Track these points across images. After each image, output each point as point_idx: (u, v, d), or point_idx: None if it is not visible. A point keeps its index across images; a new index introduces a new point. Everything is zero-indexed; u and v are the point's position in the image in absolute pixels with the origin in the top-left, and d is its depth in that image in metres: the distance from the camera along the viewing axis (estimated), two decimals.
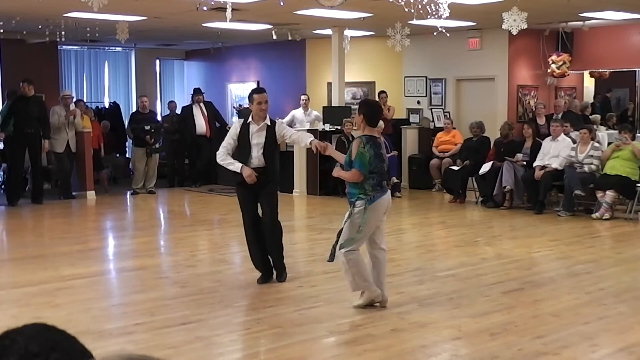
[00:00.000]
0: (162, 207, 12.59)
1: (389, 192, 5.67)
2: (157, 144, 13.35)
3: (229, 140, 6.42)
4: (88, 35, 12.52)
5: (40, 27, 11.90)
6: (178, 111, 14.45)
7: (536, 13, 9.86)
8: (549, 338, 4.82)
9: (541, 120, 12.46)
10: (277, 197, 6.55)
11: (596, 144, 10.45)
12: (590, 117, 13.17)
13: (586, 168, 10.25)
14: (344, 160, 5.68)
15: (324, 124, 13.03)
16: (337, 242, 5.53)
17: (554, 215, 10.30)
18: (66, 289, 6.30)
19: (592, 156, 10.29)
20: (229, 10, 8.41)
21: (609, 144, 10.86)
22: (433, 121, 13.92)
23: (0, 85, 14.52)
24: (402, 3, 7.80)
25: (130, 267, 7.37)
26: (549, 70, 13.30)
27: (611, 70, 13.73)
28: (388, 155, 12.32)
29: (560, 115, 12.28)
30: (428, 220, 10.70)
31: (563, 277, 6.88)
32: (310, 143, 6.21)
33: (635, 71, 13.63)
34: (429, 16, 8.42)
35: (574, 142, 10.66)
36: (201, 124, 13.88)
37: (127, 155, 15.81)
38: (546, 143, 10.88)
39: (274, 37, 13.17)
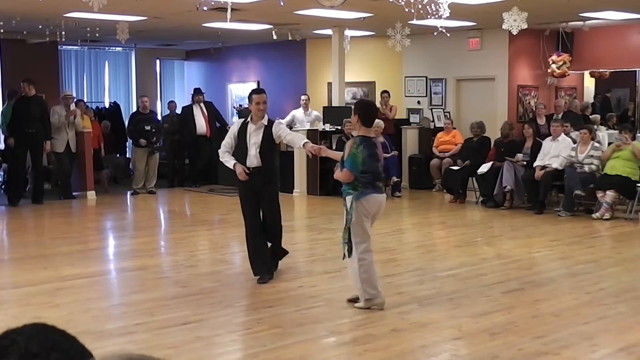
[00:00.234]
0: (162, 207, 12.59)
1: (384, 194, 5.69)
2: (157, 144, 13.36)
3: (228, 139, 6.54)
4: (88, 35, 12.52)
5: (40, 27, 11.90)
6: (178, 111, 14.44)
7: (536, 13, 9.85)
8: (549, 338, 4.82)
9: (541, 120, 12.46)
10: (278, 202, 6.66)
11: (596, 144, 10.45)
12: (590, 117, 13.17)
13: (586, 168, 10.25)
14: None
15: (324, 124, 13.03)
16: (349, 239, 5.53)
17: (554, 215, 10.30)
18: (66, 289, 6.30)
19: (592, 156, 10.29)
20: (229, 11, 8.42)
21: (609, 144, 10.86)
22: (433, 121, 13.92)
23: (1, 85, 14.52)
24: (402, 3, 7.80)
25: (130, 267, 7.37)
26: (549, 70, 13.30)
27: (611, 70, 13.72)
28: (388, 155, 12.54)
29: (560, 115, 12.28)
30: (428, 220, 10.70)
31: (563, 277, 6.88)
32: (304, 146, 6.28)
33: (635, 71, 13.63)
34: (429, 16, 8.41)
35: (574, 142, 10.66)
36: (201, 124, 13.88)
37: (127, 155, 15.82)
38: (546, 143, 10.88)
39: (274, 37, 13.16)
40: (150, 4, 9.96)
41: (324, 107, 13.74)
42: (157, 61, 18.33)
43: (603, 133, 11.74)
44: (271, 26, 12.56)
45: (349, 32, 13.07)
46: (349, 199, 5.49)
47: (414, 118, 14.38)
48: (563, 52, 13.20)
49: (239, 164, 6.39)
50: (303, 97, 13.73)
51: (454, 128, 13.14)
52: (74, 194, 12.16)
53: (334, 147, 12.49)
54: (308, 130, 12.85)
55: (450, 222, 10.26)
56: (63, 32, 11.83)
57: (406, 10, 8.02)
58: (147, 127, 12.96)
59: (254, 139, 6.44)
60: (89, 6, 7.77)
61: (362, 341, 4.85)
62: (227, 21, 8.79)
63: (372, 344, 4.76)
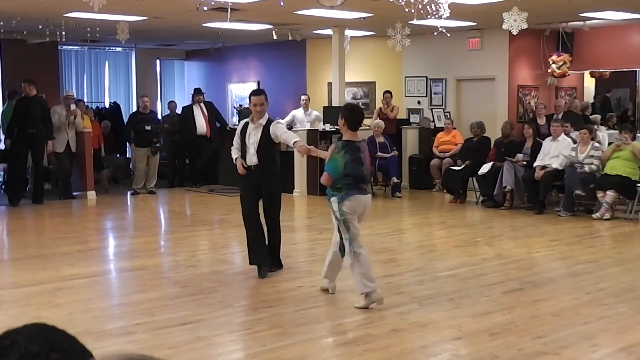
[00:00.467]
0: (162, 207, 12.59)
1: (368, 195, 5.80)
2: (158, 144, 13.35)
3: (235, 138, 6.89)
4: (88, 35, 12.52)
5: (40, 27, 11.90)
6: (178, 111, 14.44)
7: (536, 13, 9.85)
8: (549, 338, 4.82)
9: (541, 121, 12.46)
10: (279, 200, 6.84)
11: (596, 144, 10.45)
12: (590, 117, 13.17)
13: (586, 168, 10.25)
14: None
15: (324, 124, 13.03)
16: (341, 237, 5.67)
17: (554, 215, 10.30)
18: (66, 289, 6.30)
19: (592, 156, 10.29)
20: (229, 11, 8.42)
21: (609, 144, 10.86)
22: (433, 121, 13.92)
23: (1, 85, 14.52)
24: (403, 3, 7.80)
25: (130, 267, 7.37)
26: (549, 70, 13.30)
27: (611, 70, 13.72)
28: (388, 155, 12.52)
29: (560, 116, 12.29)
30: (428, 220, 10.70)
31: (563, 277, 6.88)
32: (294, 145, 6.45)
33: (636, 71, 13.62)
34: (429, 16, 8.42)
35: (574, 142, 10.66)
36: (201, 124, 13.87)
37: (127, 155, 15.82)
38: (546, 143, 10.88)
39: (274, 37, 13.17)
40: (150, 4, 9.96)
41: (324, 107, 13.74)
42: (157, 61, 18.33)
43: (603, 133, 11.74)
44: (271, 26, 12.56)
45: (349, 32, 13.07)
46: (333, 200, 5.64)
47: (414, 118, 14.38)
48: (563, 52, 13.20)
49: (240, 158, 6.73)
50: (303, 97, 13.73)
51: (454, 128, 13.14)
52: (74, 194, 12.16)
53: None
54: (308, 130, 12.85)
55: (450, 222, 10.26)
56: (63, 32, 11.83)
57: (406, 10, 8.03)
58: (147, 127, 12.96)
59: (253, 138, 6.68)
60: (89, 6, 7.78)
61: (362, 341, 4.85)
62: (227, 21, 8.79)
63: (372, 344, 4.76)
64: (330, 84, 14.21)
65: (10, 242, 9.20)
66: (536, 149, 10.94)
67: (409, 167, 13.48)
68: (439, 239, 9.26)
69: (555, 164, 10.51)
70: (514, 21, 8.85)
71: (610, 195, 9.88)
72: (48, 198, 11.85)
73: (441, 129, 13.29)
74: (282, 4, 8.79)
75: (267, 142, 6.67)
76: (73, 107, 12.24)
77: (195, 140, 13.92)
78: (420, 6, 7.98)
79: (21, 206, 11.38)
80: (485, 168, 11.19)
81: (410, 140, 13.69)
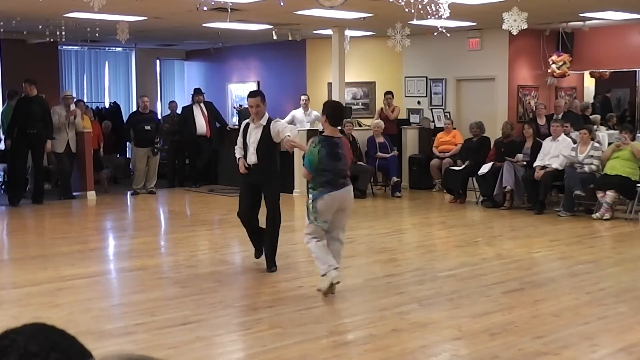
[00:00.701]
0: (162, 207, 12.59)
1: (343, 189, 5.94)
2: (158, 144, 13.35)
3: (238, 137, 7.07)
4: (88, 35, 12.52)
5: (40, 27, 11.90)
6: (179, 111, 14.44)
7: (536, 13, 9.85)
8: (549, 338, 4.82)
9: (541, 121, 12.46)
10: (277, 197, 6.98)
11: (596, 144, 10.45)
12: (590, 117, 13.17)
13: (586, 168, 10.25)
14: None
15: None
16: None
17: (554, 216, 10.30)
18: (66, 289, 6.30)
19: (592, 156, 10.29)
20: (229, 12, 8.42)
21: (609, 144, 10.86)
22: (433, 121, 13.92)
23: (1, 85, 14.52)
24: (402, 3, 7.80)
25: (130, 267, 7.37)
26: (549, 71, 13.30)
27: (611, 71, 13.72)
28: (388, 155, 12.52)
29: (560, 116, 12.28)
30: (428, 220, 10.70)
31: (563, 277, 6.88)
32: (284, 138, 6.66)
33: (635, 71, 13.63)
34: (429, 16, 8.41)
35: (574, 142, 10.66)
36: (201, 124, 13.87)
37: (127, 156, 15.81)
38: (546, 143, 10.88)
39: (274, 37, 13.16)
40: (150, 4, 9.96)
41: None
42: (157, 61, 18.32)
43: (603, 133, 11.73)
44: (271, 26, 12.56)
45: (349, 32, 13.07)
46: (309, 196, 5.93)
47: (414, 118, 14.38)
48: (563, 52, 13.19)
49: (242, 158, 6.93)
50: (303, 97, 13.73)
51: (454, 128, 13.14)
52: (74, 194, 12.16)
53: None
54: (308, 130, 12.85)
55: (450, 222, 10.25)
56: (63, 32, 11.83)
57: (406, 10, 8.03)
58: (147, 127, 12.95)
59: (253, 138, 6.84)
60: (89, 6, 7.78)
61: (362, 341, 4.85)
62: (227, 21, 8.79)
63: (372, 344, 4.76)
64: (330, 84, 14.21)
65: (10, 242, 9.20)
66: (536, 149, 10.94)
67: (409, 167, 13.48)
68: (439, 239, 9.25)
69: (555, 164, 10.50)
70: (514, 21, 8.85)
71: (610, 195, 9.88)
72: (48, 198, 11.85)
73: (441, 129, 13.29)
74: (282, 4, 8.79)
75: (267, 142, 6.80)
76: (73, 107, 12.24)
77: (195, 140, 13.91)
78: (420, 6, 7.98)
79: (21, 206, 11.38)
80: (485, 168, 11.19)
81: (410, 140, 13.69)
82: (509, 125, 11.71)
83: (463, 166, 11.68)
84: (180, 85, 18.59)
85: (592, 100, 14.58)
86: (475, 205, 11.45)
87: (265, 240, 6.99)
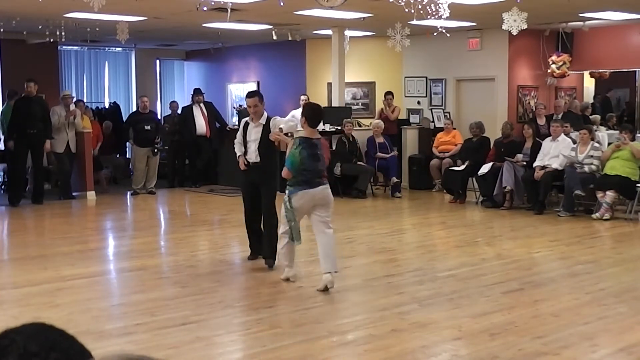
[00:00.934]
0: (162, 207, 12.59)
1: (319, 188, 6.15)
2: (159, 144, 13.34)
3: (238, 133, 7.26)
4: (88, 35, 12.52)
5: (40, 27, 11.90)
6: (179, 111, 14.44)
7: (536, 13, 9.85)
8: (549, 338, 4.82)
9: (541, 121, 12.46)
10: (274, 197, 7.14)
11: (596, 144, 10.45)
12: (590, 117, 13.17)
13: (586, 168, 10.25)
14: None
15: (324, 124, 13.01)
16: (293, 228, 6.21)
17: (554, 216, 10.30)
18: (66, 289, 6.30)
19: (592, 156, 10.29)
20: (229, 12, 8.42)
21: (609, 144, 10.86)
22: (433, 121, 13.92)
23: (0, 85, 14.51)
24: (402, 3, 7.81)
25: (130, 267, 7.37)
26: (549, 71, 13.30)
27: (611, 71, 13.72)
28: (388, 155, 12.52)
29: (560, 116, 12.28)
30: (428, 220, 10.70)
31: (563, 277, 6.88)
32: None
33: (635, 71, 13.63)
34: (429, 16, 8.42)
35: (574, 142, 10.66)
36: (201, 124, 13.86)
37: (127, 156, 15.81)
38: (546, 143, 10.88)
39: (274, 37, 13.16)
40: (150, 4, 9.96)
41: (324, 107, 13.72)
42: (157, 61, 18.32)
43: (603, 133, 11.73)
44: (271, 26, 12.56)
45: (348, 32, 13.07)
46: (286, 192, 6.17)
47: (414, 118, 14.38)
48: (563, 52, 13.19)
49: (242, 156, 7.09)
50: (303, 97, 13.71)
51: (454, 128, 13.14)
52: (73, 194, 12.16)
53: (334, 148, 12.53)
54: None
55: (450, 222, 10.25)
56: (63, 32, 11.83)
57: (406, 10, 8.03)
58: (147, 127, 12.95)
59: (254, 137, 6.99)
60: (89, 6, 7.78)
61: (362, 341, 4.85)
62: (227, 21, 8.80)
63: (372, 344, 4.76)
64: (330, 84, 14.21)
65: (10, 242, 9.20)
66: (536, 149, 10.94)
67: (409, 167, 13.48)
68: (438, 239, 9.25)
69: (555, 164, 10.50)
70: (514, 21, 8.85)
71: (610, 195, 9.88)
72: (48, 198, 11.85)
73: (441, 129, 13.29)
74: (282, 4, 8.79)
75: (267, 141, 6.94)
76: (72, 107, 12.23)
77: (195, 141, 13.91)
78: (420, 6, 7.98)
79: (21, 206, 11.38)
80: (485, 168, 11.19)
81: (410, 140, 13.69)
82: (508, 125, 11.71)
83: (463, 166, 11.68)
84: (180, 85, 18.58)
85: (591, 101, 14.58)
86: (475, 205, 11.45)
87: (264, 238, 7.11)
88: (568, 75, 13.33)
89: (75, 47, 16.46)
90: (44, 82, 13.69)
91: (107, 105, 17.15)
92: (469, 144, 12.04)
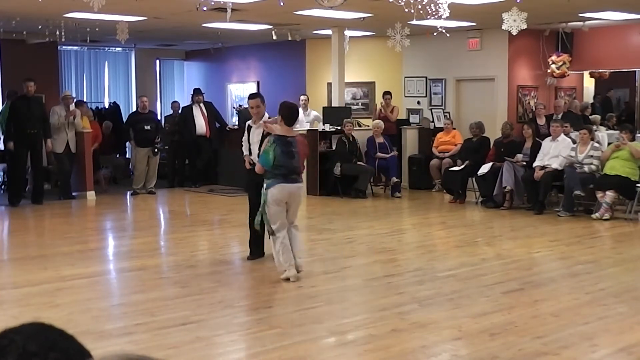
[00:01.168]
0: (162, 207, 12.59)
1: (294, 184, 6.49)
2: (159, 144, 13.33)
3: (243, 136, 7.52)
4: (88, 35, 12.52)
5: (40, 27, 11.90)
6: (180, 111, 14.44)
7: (536, 13, 9.85)
8: (549, 338, 4.82)
9: (541, 121, 12.46)
10: None
11: (596, 144, 10.45)
12: (590, 117, 13.17)
13: (586, 168, 10.24)
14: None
15: (323, 124, 13.03)
16: (266, 222, 6.51)
17: (554, 216, 10.29)
18: (66, 289, 6.30)
19: (592, 156, 10.29)
20: (229, 12, 8.42)
21: (608, 144, 10.86)
22: (433, 121, 13.91)
23: (0, 86, 14.51)
24: (402, 3, 7.81)
25: (130, 267, 7.37)
26: (549, 71, 13.30)
27: (611, 71, 13.72)
28: (388, 155, 12.52)
29: (560, 116, 12.28)
30: (428, 220, 10.70)
31: (563, 277, 6.88)
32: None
33: (635, 71, 13.63)
34: (429, 16, 8.42)
35: (574, 142, 10.66)
36: (201, 124, 13.86)
37: (127, 156, 15.81)
38: (546, 143, 10.88)
39: (274, 37, 13.16)
40: (150, 4, 9.96)
41: (323, 107, 13.74)
42: (157, 61, 18.32)
43: (603, 133, 11.73)
44: (271, 26, 12.56)
45: (348, 32, 13.07)
46: (264, 186, 6.45)
47: (414, 118, 14.38)
48: (563, 52, 13.19)
49: (248, 156, 7.35)
50: (302, 97, 13.72)
51: (454, 128, 13.14)
52: (73, 194, 12.16)
53: (333, 148, 12.54)
54: (308, 130, 12.85)
55: (450, 222, 10.25)
56: (63, 32, 11.83)
57: (406, 10, 8.03)
58: (147, 127, 12.95)
59: (256, 138, 7.15)
60: (89, 6, 7.78)
61: (362, 341, 4.85)
62: (227, 21, 8.80)
63: (372, 344, 4.76)
64: (329, 84, 14.21)
65: (10, 242, 9.20)
66: (536, 149, 10.93)
67: (409, 167, 13.48)
68: (438, 239, 9.25)
69: (555, 164, 10.50)
70: (514, 21, 8.85)
71: (609, 195, 9.88)
72: (48, 198, 11.84)
73: (441, 129, 13.29)
74: (282, 4, 8.79)
75: None
76: (72, 107, 12.23)
77: (195, 141, 13.91)
78: (420, 6, 7.98)
79: (21, 206, 11.38)
80: (484, 168, 11.19)
81: (410, 140, 13.69)
82: (508, 125, 11.71)
83: (463, 166, 11.67)
84: (180, 85, 18.58)
85: (591, 101, 14.59)
86: (475, 205, 11.45)
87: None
88: (568, 75, 13.33)
89: (75, 47, 16.46)
90: (44, 82, 13.70)
91: (107, 105, 17.14)
92: (469, 144, 12.04)
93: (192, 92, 14.48)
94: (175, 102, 15.08)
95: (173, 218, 11.42)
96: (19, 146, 11.47)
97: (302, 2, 9.73)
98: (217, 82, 17.23)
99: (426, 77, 14.40)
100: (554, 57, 13.11)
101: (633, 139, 10.33)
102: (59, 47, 15.35)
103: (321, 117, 13.34)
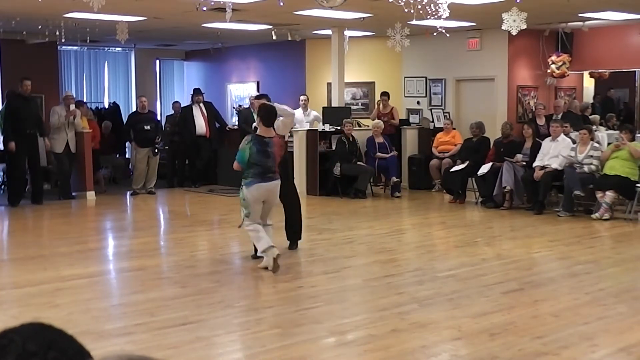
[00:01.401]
0: (161, 207, 12.59)
1: (271, 182, 6.81)
2: (159, 144, 13.33)
3: None
4: (88, 35, 12.52)
5: (40, 27, 11.89)
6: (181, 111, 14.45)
7: (536, 13, 9.85)
8: (549, 338, 4.82)
9: (541, 121, 12.46)
10: (291, 195, 7.86)
11: (596, 144, 10.45)
12: (589, 117, 13.17)
13: (586, 168, 10.24)
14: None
15: (323, 124, 13.03)
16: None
17: (554, 216, 10.29)
18: (66, 289, 6.29)
19: (591, 156, 10.29)
20: (229, 11, 8.42)
21: (608, 144, 10.86)
22: (433, 121, 13.92)
23: (0, 86, 14.51)
24: (402, 3, 7.81)
25: (130, 267, 7.36)
26: (548, 71, 13.30)
27: (611, 71, 13.72)
28: (388, 155, 12.52)
29: (560, 116, 12.28)
30: (428, 220, 10.70)
31: (563, 277, 6.88)
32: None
33: (635, 71, 13.63)
34: (428, 16, 8.42)
35: (574, 142, 10.66)
36: (201, 125, 13.87)
37: (127, 156, 15.81)
38: (546, 143, 10.88)
39: (274, 37, 13.16)
40: (150, 4, 9.96)
41: (323, 107, 13.74)
42: (157, 61, 18.32)
43: (602, 133, 11.73)
44: (271, 26, 12.56)
45: (348, 33, 13.07)
46: (242, 185, 6.79)
47: (414, 118, 14.37)
48: (563, 52, 13.20)
49: None
50: (302, 97, 13.72)
51: (454, 128, 13.14)
52: (73, 194, 12.16)
53: (333, 148, 12.53)
54: (307, 130, 12.86)
55: (450, 222, 10.25)
56: (62, 32, 11.82)
57: (406, 10, 8.03)
58: (147, 127, 12.95)
59: None
60: (88, 6, 7.78)
61: (362, 341, 4.85)
62: (227, 21, 8.79)
63: (372, 344, 4.76)
64: (329, 84, 14.21)
65: (10, 242, 9.20)
66: (535, 149, 10.93)
67: (409, 168, 13.48)
68: (438, 239, 9.25)
69: (555, 164, 10.50)
70: (514, 21, 8.85)
71: (609, 195, 9.88)
72: (47, 198, 11.84)
73: (440, 129, 13.29)
74: (281, 4, 8.79)
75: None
76: (72, 107, 12.23)
77: (194, 141, 13.91)
78: (420, 6, 7.98)
79: (21, 206, 11.38)
80: (484, 168, 11.19)
81: (410, 140, 13.69)
82: (508, 125, 11.71)
83: (463, 166, 11.66)
84: (180, 85, 18.58)
85: (591, 101, 14.59)
86: (474, 205, 11.45)
87: (286, 226, 7.90)
88: (568, 75, 13.33)
89: (75, 47, 16.45)
90: (43, 82, 13.70)
91: (106, 105, 17.14)
92: (469, 144, 12.04)
93: (192, 92, 14.48)
94: (176, 102, 15.08)
95: (173, 218, 11.42)
96: (19, 146, 11.46)
97: (302, 2, 9.73)
98: (217, 82, 17.23)
99: (426, 77, 14.40)
100: (553, 57, 13.11)
101: (633, 139, 10.33)
102: (58, 47, 15.34)
103: (321, 117, 13.34)
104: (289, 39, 13.52)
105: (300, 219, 8.05)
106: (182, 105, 14.62)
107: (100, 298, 6.19)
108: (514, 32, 9.03)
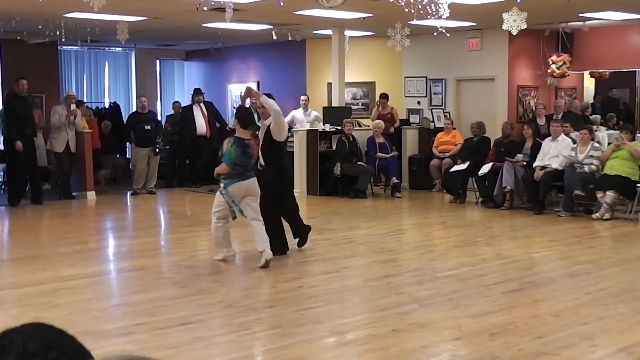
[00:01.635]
0: (162, 207, 12.59)
1: (249, 180, 7.00)
2: (160, 144, 13.33)
3: None
4: (88, 35, 12.51)
5: (40, 27, 11.89)
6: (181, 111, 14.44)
7: (536, 13, 9.85)
8: (549, 338, 4.82)
9: (541, 121, 12.46)
10: (285, 196, 7.80)
11: (596, 144, 10.45)
12: (590, 117, 13.17)
13: (586, 168, 10.24)
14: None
15: (324, 124, 13.03)
16: (231, 208, 7.05)
17: (554, 216, 10.29)
18: (66, 289, 6.29)
19: (592, 156, 10.29)
20: (229, 11, 8.42)
21: (609, 144, 10.86)
22: (433, 121, 13.92)
23: (0, 86, 14.50)
24: (402, 3, 7.80)
25: (130, 267, 7.36)
26: (549, 71, 13.30)
27: (611, 71, 13.72)
28: (388, 155, 12.52)
29: (560, 116, 12.28)
30: (428, 220, 10.70)
31: (563, 277, 6.88)
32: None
33: (635, 71, 13.63)
34: (429, 16, 8.41)
35: (574, 142, 10.66)
36: (201, 124, 13.87)
37: (127, 156, 15.81)
38: (546, 143, 10.88)
39: (274, 37, 13.16)
40: (150, 4, 9.96)
41: (323, 107, 13.74)
42: (157, 61, 18.32)
43: (603, 133, 11.73)
44: (271, 26, 12.56)
45: (348, 33, 13.07)
46: (222, 185, 7.01)
47: (414, 118, 14.38)
48: (563, 52, 13.20)
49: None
50: (302, 97, 13.73)
51: (454, 128, 13.14)
52: (73, 194, 12.16)
53: (333, 148, 12.53)
54: (308, 130, 12.86)
55: (450, 222, 10.25)
56: (63, 32, 11.82)
57: (406, 10, 8.03)
58: (147, 127, 12.95)
59: (261, 139, 7.45)
60: (89, 6, 7.78)
61: (362, 341, 4.84)
62: (227, 21, 8.80)
63: (372, 344, 4.76)
64: (330, 84, 14.21)
65: (10, 242, 9.20)
66: (536, 149, 10.93)
67: (409, 168, 13.48)
68: (438, 239, 9.25)
69: (555, 164, 10.50)
70: (514, 21, 8.85)
71: (609, 195, 9.88)
72: (48, 198, 11.85)
73: (441, 129, 13.29)
74: (282, 4, 8.79)
75: (269, 143, 7.30)
76: (73, 107, 12.23)
77: (195, 141, 13.91)
78: (420, 6, 7.98)
79: (21, 206, 11.38)
80: (485, 168, 11.19)
81: (410, 140, 13.69)
82: (508, 125, 11.71)
83: (464, 166, 11.65)
84: (180, 85, 18.58)
85: (591, 101, 14.59)
86: (475, 205, 11.45)
87: (290, 222, 7.83)
88: (568, 75, 13.33)
89: (75, 47, 16.45)
90: (44, 82, 13.71)
91: (107, 105, 17.14)
92: (469, 144, 12.04)
93: (192, 92, 14.48)
94: (176, 102, 15.08)
95: (173, 218, 11.42)
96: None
97: (302, 2, 9.73)
98: (217, 82, 17.23)
99: (426, 77, 14.40)
100: (554, 57, 13.11)
101: (633, 139, 10.33)
102: (58, 47, 15.34)
103: (321, 117, 13.34)
104: (289, 39, 13.52)
105: (299, 219, 8.01)
106: (183, 105, 14.62)
107: (100, 298, 6.19)
108: (514, 32, 9.03)
